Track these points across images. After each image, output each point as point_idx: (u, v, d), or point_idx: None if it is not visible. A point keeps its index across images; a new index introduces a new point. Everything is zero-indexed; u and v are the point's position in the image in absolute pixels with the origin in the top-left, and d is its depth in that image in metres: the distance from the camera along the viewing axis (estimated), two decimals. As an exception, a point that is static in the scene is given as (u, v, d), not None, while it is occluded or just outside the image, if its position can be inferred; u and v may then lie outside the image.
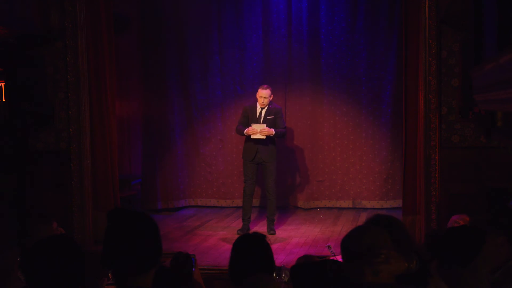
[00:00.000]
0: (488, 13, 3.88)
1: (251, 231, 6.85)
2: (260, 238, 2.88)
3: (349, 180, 8.36)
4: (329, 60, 8.26)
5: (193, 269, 3.53)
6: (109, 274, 3.80)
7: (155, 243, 1.99)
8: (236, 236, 3.36)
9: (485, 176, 5.61)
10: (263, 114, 6.77)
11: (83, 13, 6.18)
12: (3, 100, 6.00)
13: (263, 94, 6.70)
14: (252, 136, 6.67)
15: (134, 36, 8.45)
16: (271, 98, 6.82)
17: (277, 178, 6.99)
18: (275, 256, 2.91)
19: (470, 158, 5.71)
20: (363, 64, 8.18)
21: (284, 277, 3.59)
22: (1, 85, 5.99)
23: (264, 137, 6.62)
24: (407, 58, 6.06)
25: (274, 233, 6.81)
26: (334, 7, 8.19)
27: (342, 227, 7.24)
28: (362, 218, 7.68)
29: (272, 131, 6.61)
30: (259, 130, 6.60)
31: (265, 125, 6.64)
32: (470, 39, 5.07)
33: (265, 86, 6.80)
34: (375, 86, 8.19)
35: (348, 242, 2.23)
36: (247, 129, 6.68)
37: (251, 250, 2.80)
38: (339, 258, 4.62)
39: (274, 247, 2.93)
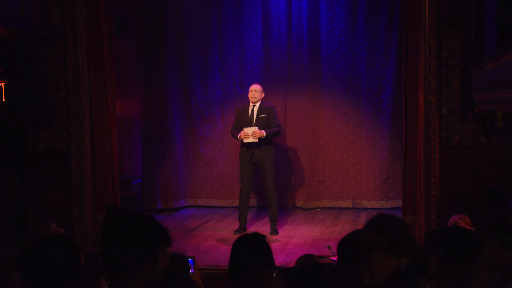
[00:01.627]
0: (488, 13, 3.87)
1: (251, 231, 6.87)
2: (259, 238, 2.88)
3: (349, 180, 8.36)
4: (329, 60, 8.26)
5: (192, 271, 3.50)
6: None
7: (145, 243, 1.93)
8: (236, 236, 3.36)
9: (485, 176, 5.61)
10: (255, 113, 6.79)
11: (83, 13, 6.17)
12: (3, 100, 6.00)
13: (253, 88, 6.81)
14: (244, 141, 6.68)
15: (134, 36, 8.46)
16: (263, 95, 6.86)
17: (275, 178, 6.98)
18: (275, 256, 2.91)
19: (470, 158, 5.70)
20: (363, 64, 8.18)
21: (282, 276, 3.58)
22: (1, 85, 5.99)
23: (256, 140, 6.62)
24: (407, 58, 6.06)
25: (277, 233, 6.82)
26: (334, 7, 8.19)
27: (342, 227, 7.24)
28: (362, 218, 7.68)
29: (263, 133, 6.62)
30: (250, 133, 6.61)
31: (256, 127, 6.65)
32: (470, 39, 5.07)
33: (255, 83, 6.97)
34: (375, 86, 8.19)
35: (343, 246, 2.24)
36: (239, 134, 6.71)
37: (251, 250, 2.80)
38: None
39: (274, 247, 2.94)
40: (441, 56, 5.71)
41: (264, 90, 6.92)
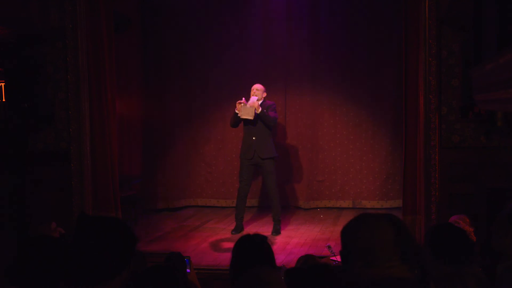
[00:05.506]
0: (488, 13, 3.88)
1: (251, 231, 6.87)
2: (261, 239, 2.87)
3: (349, 180, 8.37)
4: (329, 60, 8.26)
5: (188, 271, 3.50)
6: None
7: (118, 251, 1.96)
8: (235, 236, 3.36)
9: (485, 176, 5.60)
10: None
11: (83, 13, 6.17)
12: (3, 100, 6.00)
13: (255, 87, 6.83)
14: (241, 115, 6.62)
15: (134, 36, 8.45)
16: (265, 95, 6.86)
17: (277, 178, 6.98)
18: (275, 256, 2.90)
19: (470, 158, 5.70)
20: (363, 64, 8.19)
21: (284, 277, 3.58)
22: (1, 85, 5.99)
23: (251, 117, 6.59)
24: (407, 58, 6.06)
25: (279, 234, 6.82)
26: (334, 6, 8.19)
27: (342, 227, 7.22)
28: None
29: (259, 108, 6.60)
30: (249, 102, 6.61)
31: (256, 99, 6.69)
32: (470, 39, 5.07)
33: (258, 83, 6.95)
34: (375, 86, 8.19)
35: (349, 236, 2.17)
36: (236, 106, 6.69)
37: (253, 251, 2.79)
38: (339, 258, 4.62)
39: (274, 247, 2.93)
40: (441, 56, 5.71)
41: (265, 90, 6.92)
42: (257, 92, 6.80)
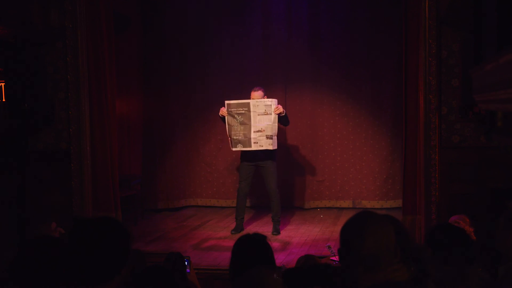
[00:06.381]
0: (488, 13, 3.88)
1: (251, 231, 6.87)
2: (261, 239, 2.87)
3: (349, 180, 8.37)
4: (329, 60, 8.26)
5: (188, 271, 3.51)
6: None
7: (115, 251, 1.97)
8: (236, 236, 3.36)
9: (485, 176, 5.60)
10: None
11: (83, 13, 6.17)
12: (3, 100, 6.00)
13: (256, 97, 6.69)
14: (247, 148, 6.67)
15: (134, 36, 8.45)
16: (265, 98, 6.77)
17: (278, 178, 6.98)
18: (275, 256, 2.90)
19: (470, 158, 5.70)
20: (363, 64, 8.18)
21: (283, 277, 3.58)
22: (1, 85, 5.99)
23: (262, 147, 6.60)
24: (407, 58, 6.06)
25: (279, 233, 6.82)
26: (334, 7, 8.19)
27: (342, 226, 7.22)
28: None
29: (283, 110, 6.57)
30: (273, 108, 6.54)
31: (277, 102, 6.63)
32: (470, 39, 5.08)
33: (257, 88, 6.75)
34: (375, 86, 8.19)
35: (351, 241, 2.14)
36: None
37: (252, 250, 2.80)
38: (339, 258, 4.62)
39: (274, 247, 2.93)
40: (441, 56, 5.71)
41: (264, 91, 6.86)
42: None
